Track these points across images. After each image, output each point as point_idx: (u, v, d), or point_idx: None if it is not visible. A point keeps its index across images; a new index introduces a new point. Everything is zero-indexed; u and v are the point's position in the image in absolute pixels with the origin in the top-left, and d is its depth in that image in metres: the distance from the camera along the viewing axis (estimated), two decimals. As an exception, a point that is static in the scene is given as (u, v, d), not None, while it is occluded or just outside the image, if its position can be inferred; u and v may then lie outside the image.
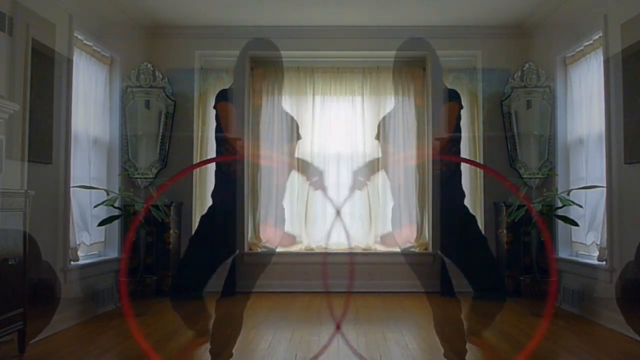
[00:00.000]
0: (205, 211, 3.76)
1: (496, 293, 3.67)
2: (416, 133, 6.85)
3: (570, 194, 5.54)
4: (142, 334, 4.48)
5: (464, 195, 3.71)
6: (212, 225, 3.51)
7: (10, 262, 3.61)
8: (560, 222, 5.70)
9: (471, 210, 3.97)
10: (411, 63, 6.91)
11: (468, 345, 3.54)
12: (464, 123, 6.75)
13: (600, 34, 5.06)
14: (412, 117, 6.89)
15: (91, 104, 5.60)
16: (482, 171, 6.55)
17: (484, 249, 3.62)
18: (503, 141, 6.41)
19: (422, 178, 6.81)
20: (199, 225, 3.65)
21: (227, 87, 4.59)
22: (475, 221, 3.83)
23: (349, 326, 4.87)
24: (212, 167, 6.59)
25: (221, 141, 3.57)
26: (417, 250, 6.73)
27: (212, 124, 6.76)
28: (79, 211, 5.30)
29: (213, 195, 3.63)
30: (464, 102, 6.76)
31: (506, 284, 5.65)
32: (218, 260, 3.50)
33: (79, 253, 5.17)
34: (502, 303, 3.74)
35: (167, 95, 6.35)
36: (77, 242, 5.15)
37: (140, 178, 6.15)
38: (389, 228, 6.87)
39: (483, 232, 6.44)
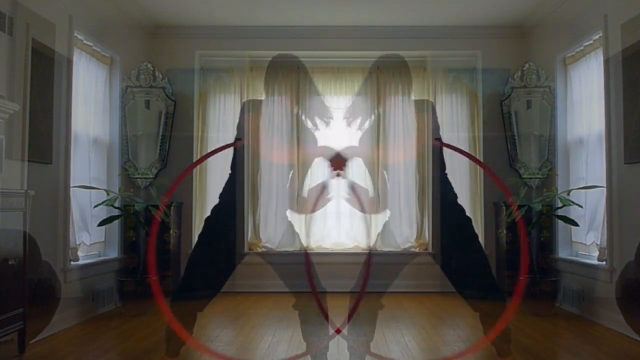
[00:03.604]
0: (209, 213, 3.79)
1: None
2: (416, 134, 6.84)
3: (570, 194, 5.54)
4: (141, 334, 4.49)
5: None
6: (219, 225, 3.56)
7: (10, 262, 3.61)
8: (560, 222, 5.69)
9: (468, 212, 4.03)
10: (412, 63, 6.91)
11: None
12: (463, 123, 6.77)
13: (600, 34, 5.06)
14: (413, 117, 6.88)
15: (91, 104, 5.60)
16: (482, 171, 6.55)
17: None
18: (503, 141, 6.40)
19: (422, 178, 6.80)
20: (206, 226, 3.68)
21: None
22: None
23: (349, 326, 4.87)
24: (214, 167, 6.64)
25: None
26: (417, 250, 6.72)
27: (212, 124, 6.83)
28: (79, 211, 5.29)
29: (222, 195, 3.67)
30: (464, 102, 6.77)
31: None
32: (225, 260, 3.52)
33: (79, 253, 5.17)
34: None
35: (167, 95, 6.35)
36: (77, 242, 5.15)
37: (140, 178, 6.15)
38: (389, 228, 6.87)
39: (483, 232, 6.49)
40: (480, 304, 3.55)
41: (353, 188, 3.57)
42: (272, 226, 6.79)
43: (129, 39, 6.25)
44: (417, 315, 5.42)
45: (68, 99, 4.88)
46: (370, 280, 6.54)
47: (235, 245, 3.79)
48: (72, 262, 4.95)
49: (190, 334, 3.45)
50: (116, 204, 5.56)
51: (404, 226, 6.80)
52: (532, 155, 6.16)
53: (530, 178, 6.16)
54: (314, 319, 3.96)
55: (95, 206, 5.46)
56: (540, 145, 6.11)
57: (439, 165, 3.71)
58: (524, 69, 6.22)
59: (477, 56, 6.75)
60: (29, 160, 4.21)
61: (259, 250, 6.70)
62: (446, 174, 3.68)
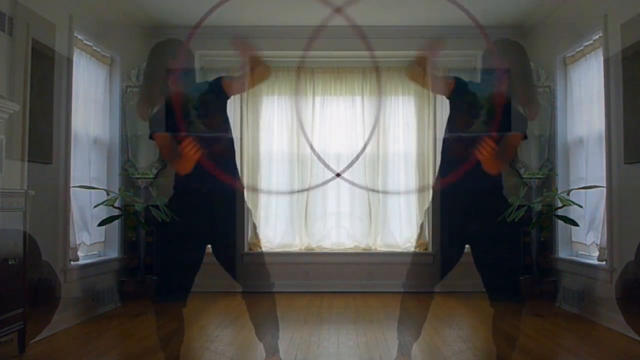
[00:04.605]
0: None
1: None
2: (416, 133, 6.84)
3: (570, 194, 5.54)
4: (141, 334, 4.49)
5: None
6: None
7: (10, 262, 3.61)
8: (560, 222, 5.69)
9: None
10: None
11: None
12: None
13: (600, 34, 5.06)
14: (413, 117, 6.89)
15: (91, 104, 5.60)
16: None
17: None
18: (503, 141, 6.39)
19: (422, 178, 6.80)
20: None
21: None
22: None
23: (349, 326, 4.87)
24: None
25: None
26: (417, 250, 6.72)
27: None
28: (79, 211, 5.29)
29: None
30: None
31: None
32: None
33: (79, 253, 5.16)
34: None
35: (167, 95, 6.34)
36: (77, 242, 5.15)
37: (140, 178, 6.15)
38: (389, 228, 6.87)
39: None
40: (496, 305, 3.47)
41: None
42: (272, 226, 6.80)
43: (129, 39, 6.25)
44: (417, 315, 5.41)
45: (68, 99, 4.88)
46: (371, 281, 6.58)
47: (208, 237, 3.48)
48: (72, 262, 4.95)
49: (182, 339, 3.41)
50: (116, 204, 5.56)
51: (404, 226, 6.80)
52: (532, 155, 6.15)
53: (530, 178, 6.16)
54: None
55: (95, 206, 5.46)
56: (540, 145, 6.11)
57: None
58: (524, 69, 6.21)
59: (477, 56, 6.73)
60: (29, 160, 4.21)
61: (259, 250, 6.70)
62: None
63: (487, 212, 3.35)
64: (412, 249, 6.69)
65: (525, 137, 3.50)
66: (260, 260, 6.53)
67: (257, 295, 3.83)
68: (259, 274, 6.61)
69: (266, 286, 3.87)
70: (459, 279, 6.47)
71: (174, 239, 3.29)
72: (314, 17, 6.35)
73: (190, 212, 3.25)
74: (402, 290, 4.15)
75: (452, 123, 3.46)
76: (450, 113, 3.51)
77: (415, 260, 6.57)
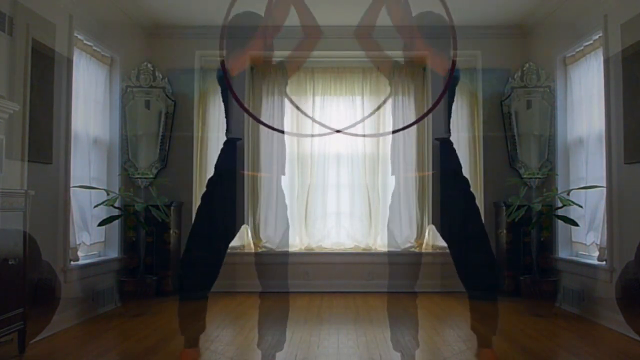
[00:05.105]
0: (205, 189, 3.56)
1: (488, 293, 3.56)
2: (416, 133, 6.84)
3: (570, 194, 5.54)
4: (141, 334, 4.50)
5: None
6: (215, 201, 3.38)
7: (10, 262, 3.61)
8: (560, 222, 5.70)
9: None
10: (411, 62, 6.91)
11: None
12: (464, 123, 6.76)
13: (600, 34, 5.06)
14: (412, 117, 6.88)
15: (91, 104, 5.60)
16: (481, 171, 6.54)
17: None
18: (503, 141, 6.40)
19: (422, 178, 6.80)
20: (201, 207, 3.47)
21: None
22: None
23: (349, 326, 4.87)
24: (212, 162, 6.62)
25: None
26: (417, 250, 6.72)
27: (212, 124, 6.81)
28: (79, 211, 5.29)
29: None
30: (464, 102, 6.77)
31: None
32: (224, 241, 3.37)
33: (79, 253, 5.17)
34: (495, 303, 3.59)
35: (167, 95, 6.35)
36: (77, 242, 5.15)
37: (140, 178, 6.15)
38: (388, 228, 6.87)
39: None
40: (475, 303, 3.50)
41: None
42: (272, 226, 6.79)
43: (129, 39, 6.25)
44: (417, 315, 5.42)
45: (68, 99, 4.88)
46: (371, 281, 6.58)
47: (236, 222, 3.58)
48: (72, 262, 4.95)
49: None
50: (116, 204, 5.56)
51: (404, 226, 6.80)
52: (532, 155, 6.16)
53: (530, 178, 6.16)
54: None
55: (95, 206, 5.46)
56: (540, 145, 6.11)
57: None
58: (524, 69, 6.22)
59: (477, 56, 6.74)
60: (29, 160, 4.21)
61: (259, 250, 6.70)
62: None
63: (462, 211, 3.42)
64: (413, 249, 6.69)
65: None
66: (261, 261, 6.56)
67: (256, 295, 3.83)
68: (260, 273, 6.63)
69: (280, 286, 3.91)
70: (458, 278, 6.50)
71: (209, 219, 3.33)
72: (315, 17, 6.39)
73: (227, 195, 3.34)
74: (404, 290, 4.14)
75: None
76: (450, 111, 3.56)
77: (416, 261, 6.62)
